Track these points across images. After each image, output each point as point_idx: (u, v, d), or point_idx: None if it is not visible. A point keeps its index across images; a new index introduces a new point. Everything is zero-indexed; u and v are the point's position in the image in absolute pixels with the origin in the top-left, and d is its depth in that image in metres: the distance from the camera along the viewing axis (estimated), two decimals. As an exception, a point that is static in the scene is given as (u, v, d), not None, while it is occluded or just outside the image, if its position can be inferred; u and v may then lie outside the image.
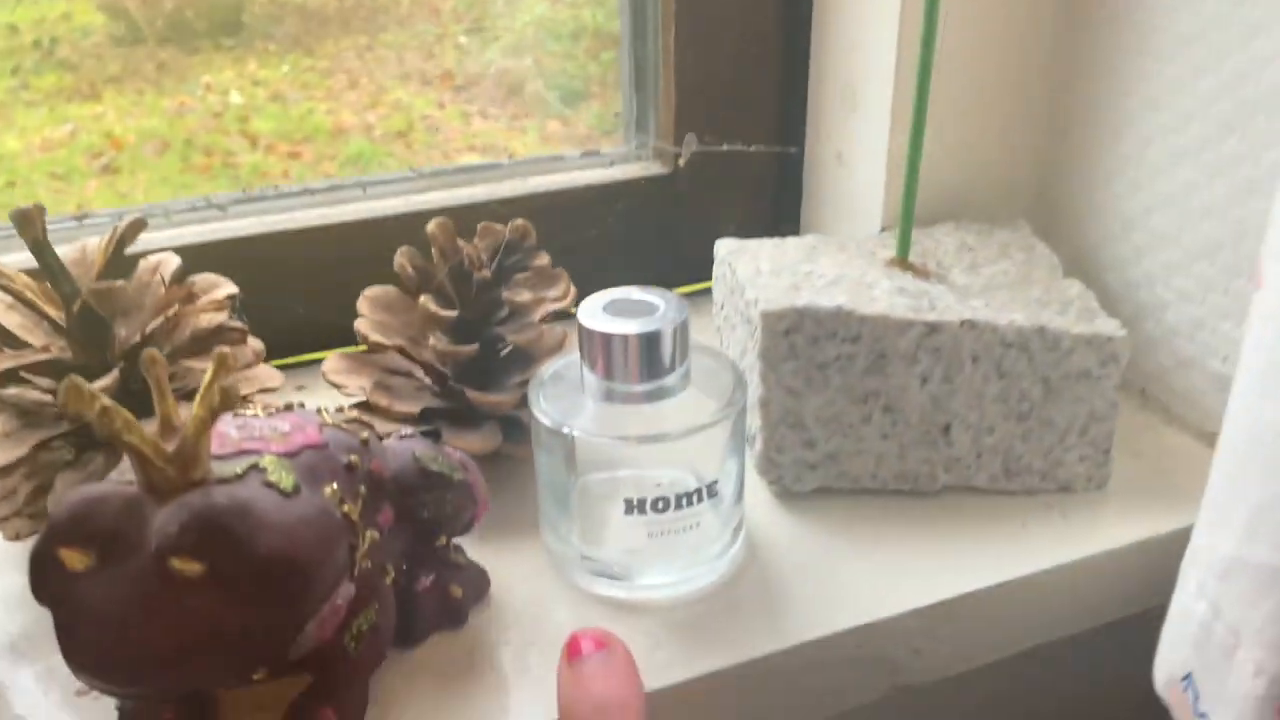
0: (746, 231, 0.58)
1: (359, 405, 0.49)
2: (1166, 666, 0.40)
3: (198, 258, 0.51)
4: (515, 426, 0.49)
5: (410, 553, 0.41)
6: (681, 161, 0.62)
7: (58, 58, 0.51)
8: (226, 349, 0.35)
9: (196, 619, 0.31)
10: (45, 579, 0.32)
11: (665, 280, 0.66)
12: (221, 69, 0.52)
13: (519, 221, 0.48)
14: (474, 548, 0.44)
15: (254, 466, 0.35)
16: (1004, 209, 0.60)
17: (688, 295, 0.63)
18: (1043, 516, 0.48)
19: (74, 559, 0.32)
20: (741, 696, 0.41)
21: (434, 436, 0.47)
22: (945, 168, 0.57)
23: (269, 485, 0.34)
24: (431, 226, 0.49)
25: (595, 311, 0.42)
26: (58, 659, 0.32)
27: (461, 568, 0.43)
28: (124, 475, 0.35)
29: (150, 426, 0.34)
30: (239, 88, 0.53)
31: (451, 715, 0.39)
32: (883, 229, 0.58)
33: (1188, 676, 0.37)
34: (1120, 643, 0.52)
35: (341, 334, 0.52)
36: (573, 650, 0.38)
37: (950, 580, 0.44)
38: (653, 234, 0.65)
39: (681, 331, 0.41)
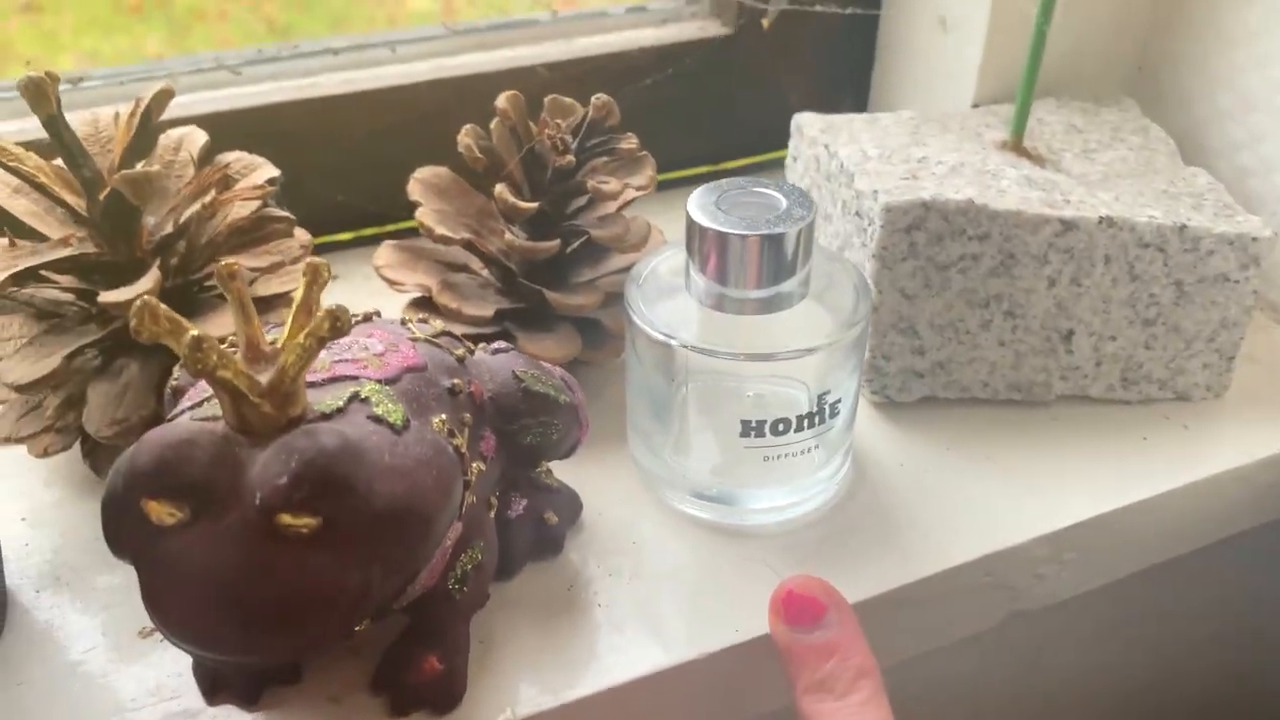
0: (809, 102, 0.53)
1: (417, 304, 0.44)
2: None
3: (211, 130, 0.44)
4: (593, 330, 0.45)
5: (504, 479, 0.37)
6: (766, 22, 0.55)
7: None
8: (319, 260, 0.30)
9: (310, 579, 0.27)
10: (126, 533, 0.28)
11: (720, 155, 0.61)
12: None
13: (602, 98, 0.42)
14: (556, 466, 0.40)
15: (355, 397, 0.30)
16: (1104, 84, 0.55)
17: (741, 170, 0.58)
18: (1162, 428, 0.45)
19: (162, 512, 0.27)
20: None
21: (509, 342, 0.42)
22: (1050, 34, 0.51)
23: (376, 420, 0.29)
24: (501, 102, 0.43)
25: (708, 205, 0.37)
26: (108, 590, 0.28)
27: (554, 491, 0.39)
28: (199, 408, 0.30)
29: (209, 328, 0.29)
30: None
31: (557, 653, 0.35)
32: (975, 104, 0.53)
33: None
34: (1233, 558, 0.50)
35: (367, 215, 0.46)
36: (792, 611, 0.31)
37: (1076, 501, 0.41)
38: (709, 102, 0.59)
39: (807, 233, 0.37)
